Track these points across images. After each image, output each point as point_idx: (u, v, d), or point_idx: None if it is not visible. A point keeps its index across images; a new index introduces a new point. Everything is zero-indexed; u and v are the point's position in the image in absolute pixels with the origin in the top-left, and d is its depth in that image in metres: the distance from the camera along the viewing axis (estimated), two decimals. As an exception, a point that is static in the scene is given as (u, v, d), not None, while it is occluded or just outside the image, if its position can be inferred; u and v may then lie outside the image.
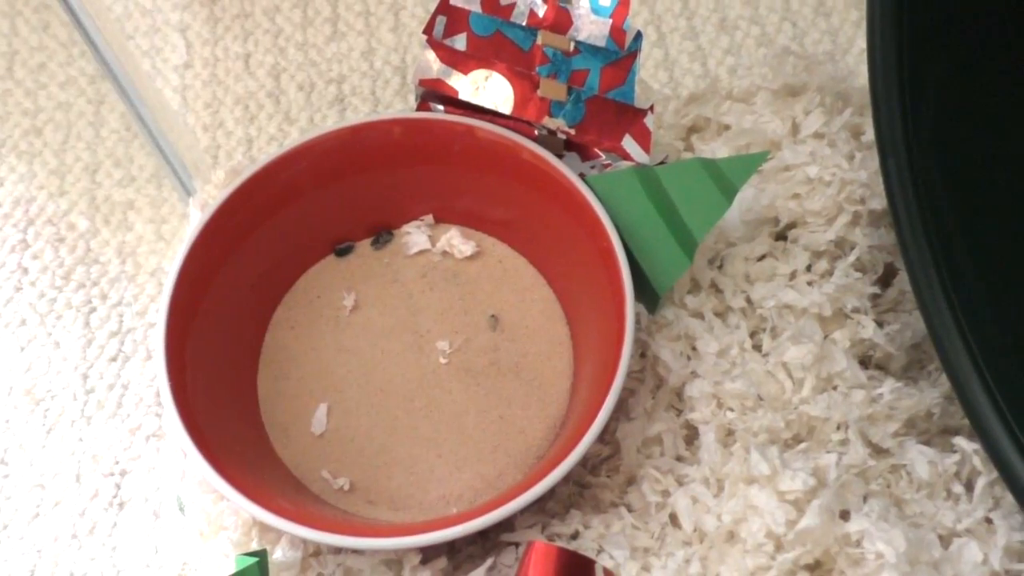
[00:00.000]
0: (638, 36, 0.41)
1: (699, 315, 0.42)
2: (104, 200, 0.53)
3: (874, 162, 0.42)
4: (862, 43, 0.52)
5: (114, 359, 0.49)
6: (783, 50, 0.46)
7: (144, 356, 0.49)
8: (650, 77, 0.53)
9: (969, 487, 0.38)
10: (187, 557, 0.39)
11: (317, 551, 0.38)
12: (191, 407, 0.39)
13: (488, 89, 0.42)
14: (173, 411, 0.38)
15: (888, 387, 0.40)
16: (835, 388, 0.40)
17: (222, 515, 0.39)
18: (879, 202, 0.43)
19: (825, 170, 0.43)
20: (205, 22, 0.58)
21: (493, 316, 0.43)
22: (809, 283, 0.42)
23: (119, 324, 0.50)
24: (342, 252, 0.45)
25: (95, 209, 0.53)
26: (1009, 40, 0.40)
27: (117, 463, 0.46)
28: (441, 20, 0.41)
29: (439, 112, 0.43)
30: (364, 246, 0.46)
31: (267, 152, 0.46)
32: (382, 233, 0.46)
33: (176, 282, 0.40)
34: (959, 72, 0.40)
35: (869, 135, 0.45)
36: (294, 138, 0.43)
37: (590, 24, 0.41)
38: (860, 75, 0.49)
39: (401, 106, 0.54)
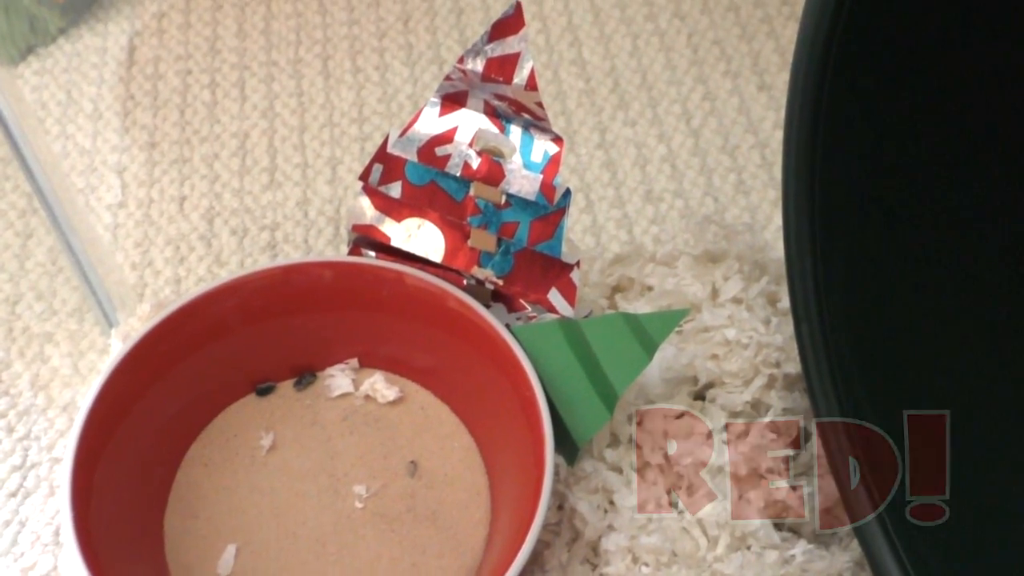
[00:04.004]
0: (567, 193, 0.43)
1: (617, 469, 0.43)
2: (22, 331, 0.53)
3: (789, 328, 0.44)
4: (779, 220, 0.55)
5: (14, 494, 0.48)
6: (704, 219, 0.49)
7: (47, 492, 0.48)
8: (578, 240, 0.55)
9: (880, 652, 0.39)
10: None
11: None
12: (93, 545, 0.38)
13: (420, 237, 0.44)
14: (75, 548, 0.37)
15: (800, 549, 0.41)
16: (749, 548, 0.41)
17: (115, 657, 0.37)
18: (794, 367, 0.45)
19: (743, 333, 0.45)
20: (143, 165, 0.60)
21: (412, 462, 0.44)
22: (725, 442, 0.43)
23: (23, 458, 0.49)
24: (263, 392, 0.45)
25: (11, 340, 0.53)
26: (907, 218, 0.43)
27: (6, 604, 0.44)
28: (378, 168, 0.43)
29: (370, 258, 0.45)
30: (286, 387, 0.46)
31: (191, 291, 0.47)
32: (305, 375, 0.46)
33: (88, 413, 0.40)
34: (866, 247, 0.43)
35: (784, 303, 0.47)
36: (222, 277, 0.43)
37: (521, 178, 0.43)
38: (777, 249, 0.52)
39: (332, 254, 0.55)
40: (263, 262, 0.55)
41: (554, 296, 0.44)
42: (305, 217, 0.57)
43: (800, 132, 0.42)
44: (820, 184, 0.43)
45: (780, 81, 0.64)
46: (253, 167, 0.60)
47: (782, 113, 0.46)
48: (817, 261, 0.42)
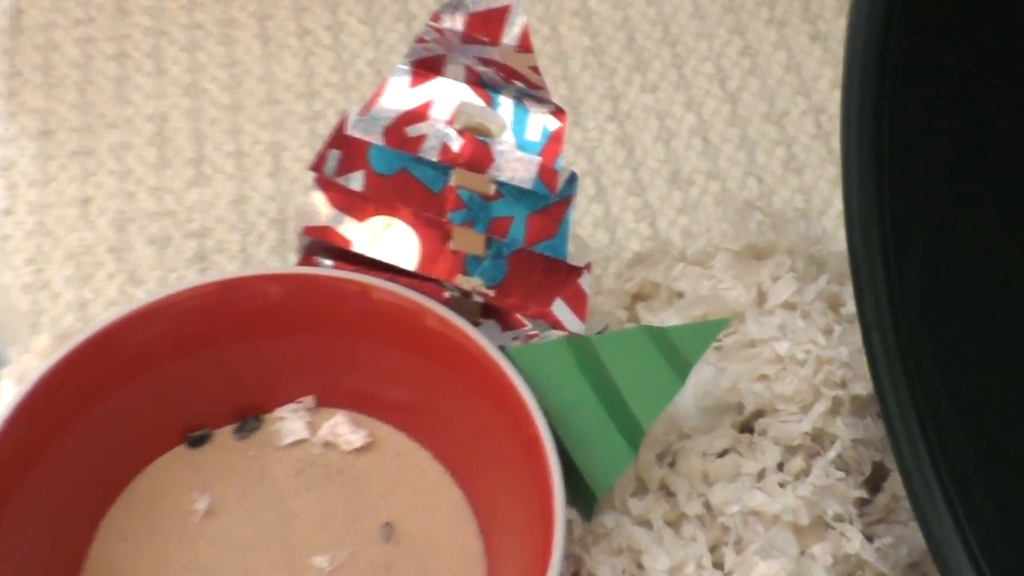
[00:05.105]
0: (572, 178, 0.44)
1: (646, 523, 0.43)
2: None
3: (856, 338, 0.45)
4: (839, 204, 0.56)
5: None
6: (746, 205, 0.50)
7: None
8: (588, 237, 0.56)
9: None
10: None
11: None
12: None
13: (389, 239, 0.44)
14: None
15: (881, 617, 0.41)
16: (816, 617, 0.41)
17: None
18: (864, 386, 0.45)
19: (798, 347, 0.46)
20: (34, 159, 0.60)
21: (387, 524, 0.44)
22: (781, 484, 0.44)
23: None
24: (196, 442, 0.46)
25: None
26: (1000, 193, 0.44)
27: None
28: (334, 155, 0.44)
29: (327, 268, 0.45)
30: (225, 434, 0.46)
31: (105, 316, 0.47)
32: (249, 419, 0.47)
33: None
34: (947, 234, 0.44)
35: (849, 307, 0.48)
36: (142, 298, 0.44)
37: (515, 162, 0.44)
38: (838, 240, 0.53)
39: (278, 265, 0.56)
40: (191, 278, 0.55)
41: (559, 308, 0.44)
42: (242, 220, 0.58)
43: (864, 92, 0.43)
44: (890, 157, 0.43)
45: (837, 29, 0.65)
46: (174, 158, 0.60)
47: (840, 69, 0.47)
48: (889, 254, 0.43)
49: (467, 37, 0.41)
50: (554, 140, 0.43)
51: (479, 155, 0.44)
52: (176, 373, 0.45)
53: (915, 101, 0.43)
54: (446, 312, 0.44)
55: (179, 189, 0.59)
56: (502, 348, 0.43)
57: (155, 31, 0.65)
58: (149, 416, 0.45)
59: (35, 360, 0.47)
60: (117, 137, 0.61)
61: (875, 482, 0.46)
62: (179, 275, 0.56)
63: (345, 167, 0.44)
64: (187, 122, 0.62)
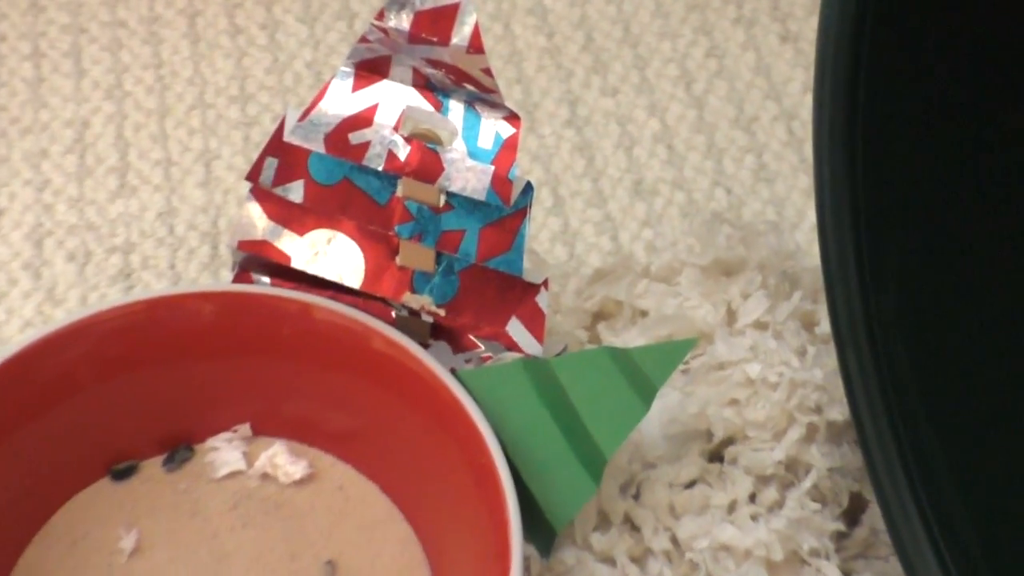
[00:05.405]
0: (528, 188, 0.44)
1: (609, 559, 0.44)
2: None
3: (831, 360, 0.46)
4: (813, 216, 0.57)
5: None
6: (714, 217, 0.50)
7: None
8: (546, 253, 0.56)
9: None
10: None
11: None
12: None
13: (331, 255, 0.44)
14: None
15: (860, 658, 0.42)
16: (791, 659, 0.42)
17: None
18: (840, 411, 0.46)
19: (770, 369, 0.46)
20: (-58, 168, 0.60)
21: (329, 563, 0.44)
22: (753, 517, 0.44)
23: None
24: (121, 474, 0.46)
25: None
26: (979, 202, 0.45)
27: None
28: (271, 163, 0.44)
29: (264, 285, 0.45)
30: (153, 466, 0.46)
31: (21, 339, 0.47)
32: (179, 449, 0.46)
33: None
34: (924, 246, 0.44)
35: (824, 326, 0.48)
36: (62, 318, 0.44)
37: (466, 171, 0.44)
38: (812, 255, 0.53)
39: (210, 283, 0.56)
40: (114, 297, 0.55)
41: (515, 328, 0.45)
42: (170, 233, 0.58)
43: (835, 95, 0.43)
44: (864, 165, 0.44)
45: (809, 29, 0.66)
46: (96, 167, 0.60)
47: (812, 72, 0.47)
48: (864, 267, 0.43)
49: (414, 37, 0.41)
50: (508, 148, 0.44)
51: (428, 164, 0.44)
52: (99, 400, 0.45)
53: (890, 106, 0.44)
54: (393, 333, 0.44)
55: (101, 200, 0.59)
56: (453, 371, 0.43)
57: (74, 28, 0.65)
58: (70, 446, 0.45)
59: (-56, 387, 0.47)
60: (33, 144, 0.61)
61: (853, 514, 0.46)
62: (102, 294, 0.56)
63: (283, 176, 0.44)
64: (110, 128, 0.61)
